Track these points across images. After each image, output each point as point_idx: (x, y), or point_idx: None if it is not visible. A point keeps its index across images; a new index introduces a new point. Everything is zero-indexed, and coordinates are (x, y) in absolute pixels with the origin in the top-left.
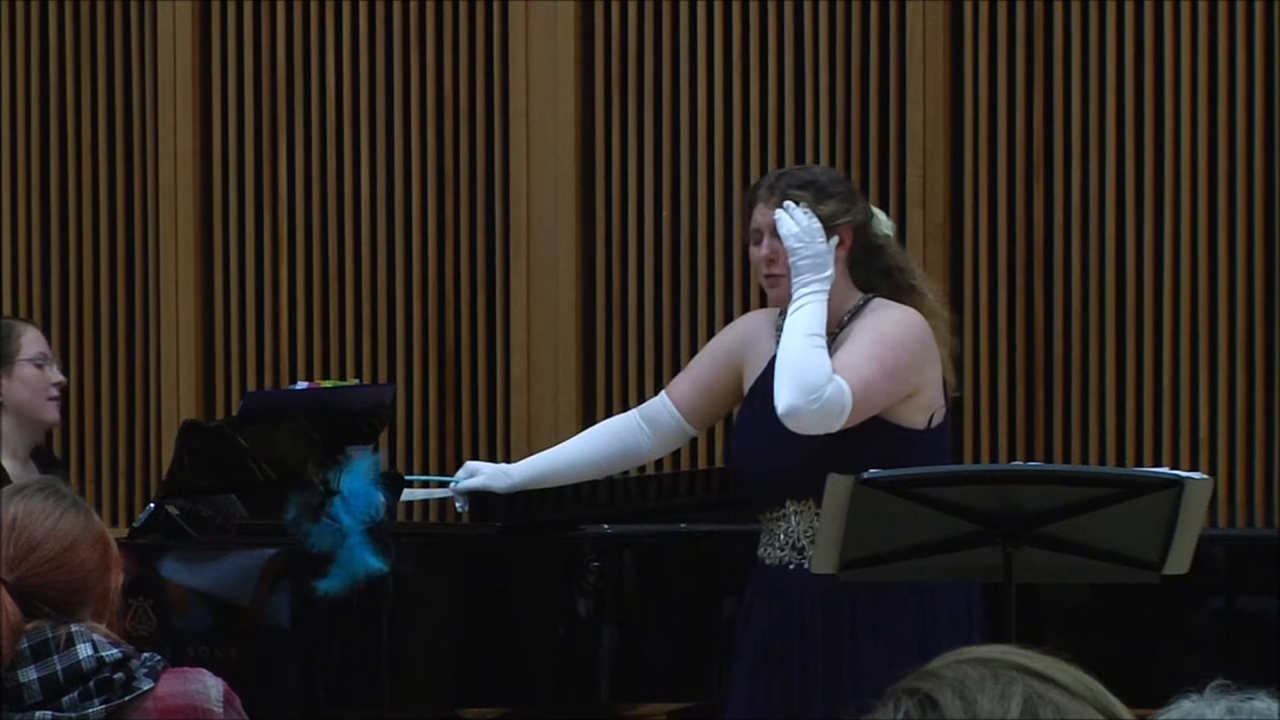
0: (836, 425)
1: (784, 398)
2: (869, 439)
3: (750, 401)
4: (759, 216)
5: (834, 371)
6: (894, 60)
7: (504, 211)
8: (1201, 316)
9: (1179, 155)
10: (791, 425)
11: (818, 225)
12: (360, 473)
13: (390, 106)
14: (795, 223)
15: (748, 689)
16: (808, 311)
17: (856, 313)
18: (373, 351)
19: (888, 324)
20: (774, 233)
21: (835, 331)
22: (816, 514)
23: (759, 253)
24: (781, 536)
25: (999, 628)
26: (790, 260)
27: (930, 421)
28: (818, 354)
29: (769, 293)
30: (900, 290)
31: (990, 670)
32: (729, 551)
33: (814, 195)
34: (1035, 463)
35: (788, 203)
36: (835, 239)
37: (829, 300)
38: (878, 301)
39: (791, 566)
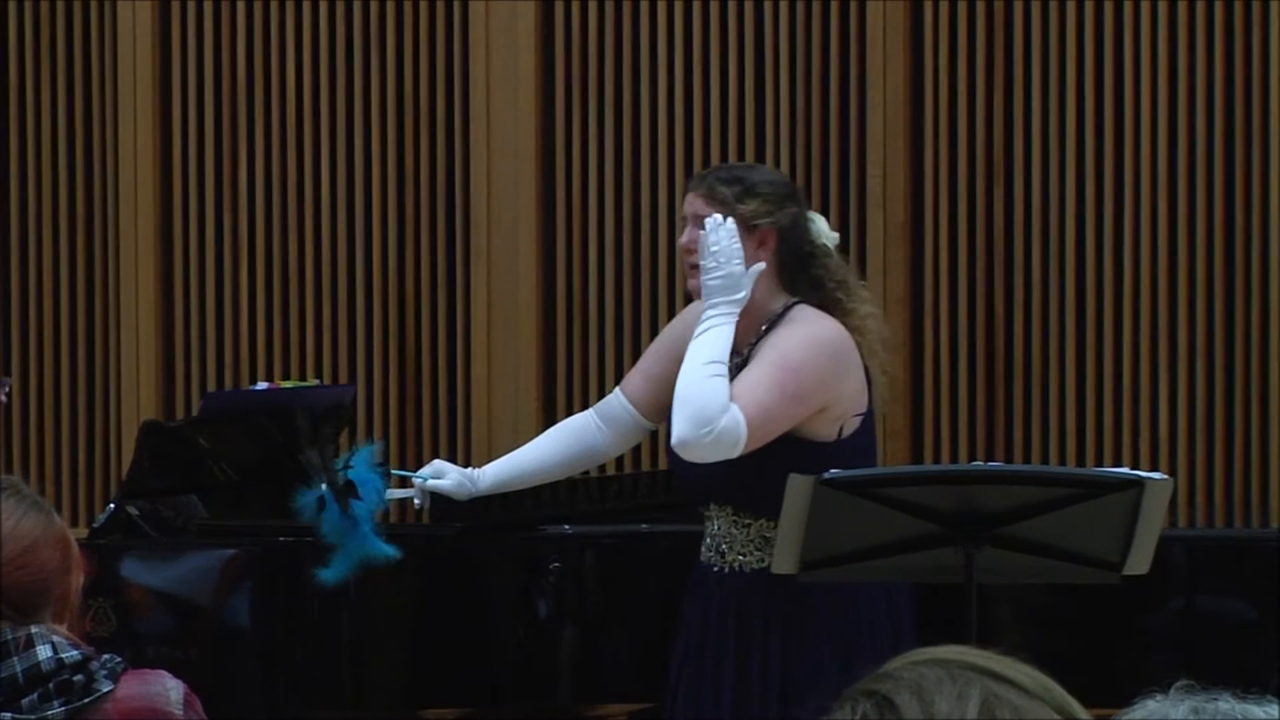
0: (733, 455)
1: (677, 429)
2: (776, 451)
3: None
4: (687, 204)
5: (733, 399)
6: (854, 62)
7: (464, 211)
8: (1161, 317)
9: (1139, 156)
10: (685, 456)
11: (738, 247)
12: (364, 461)
13: (350, 107)
14: (715, 241)
15: (675, 680)
16: (711, 336)
17: (775, 321)
18: (333, 352)
19: (794, 343)
20: (697, 222)
21: (753, 341)
22: (734, 520)
23: (682, 240)
24: (708, 538)
25: (960, 628)
26: (702, 278)
27: (840, 432)
28: (715, 383)
29: (689, 282)
30: (826, 304)
31: (948, 671)
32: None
33: (738, 192)
34: (996, 463)
35: (715, 217)
36: (758, 265)
37: (751, 304)
38: (798, 311)
39: (715, 568)
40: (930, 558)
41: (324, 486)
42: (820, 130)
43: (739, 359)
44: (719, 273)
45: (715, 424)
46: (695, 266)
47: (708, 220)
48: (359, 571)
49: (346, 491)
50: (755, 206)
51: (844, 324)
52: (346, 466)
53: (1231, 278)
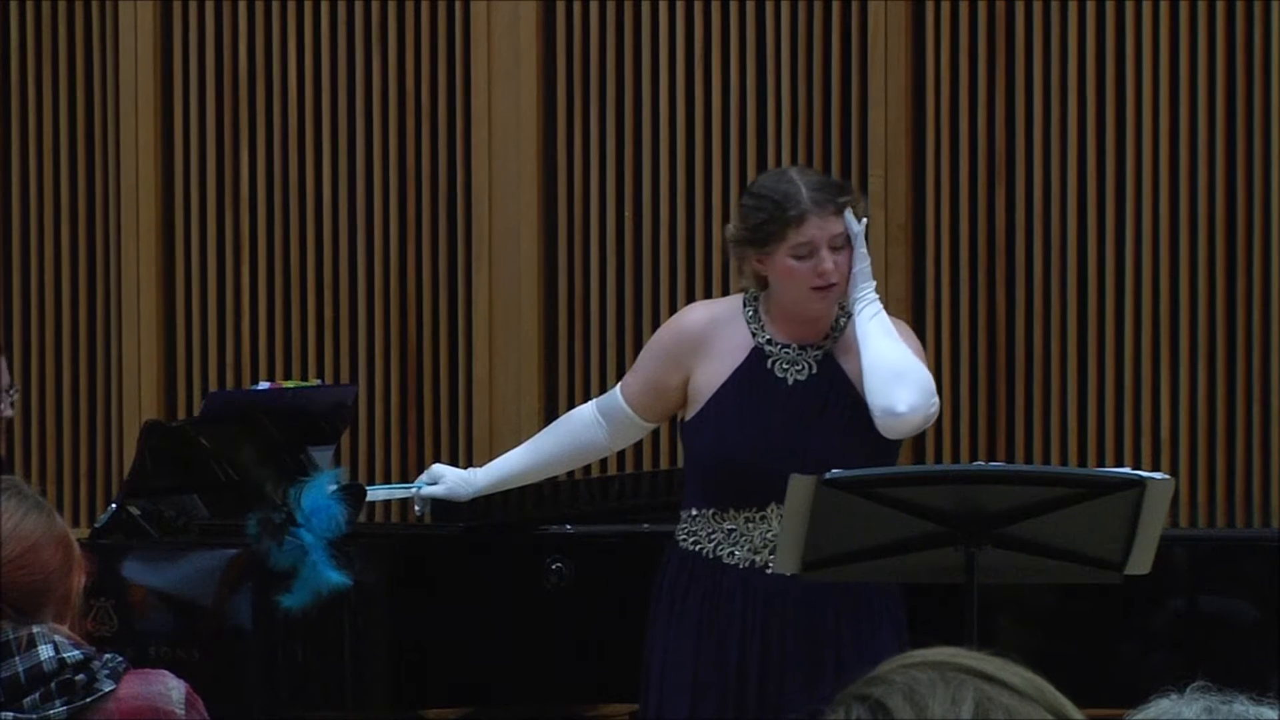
0: (926, 426)
1: (906, 398)
2: (858, 449)
3: (751, 396)
4: (815, 230)
5: None
6: (856, 61)
7: (466, 212)
8: (1163, 317)
9: (1140, 156)
10: (899, 428)
11: None
12: (321, 488)
13: (352, 107)
14: (859, 232)
15: (712, 692)
16: (885, 318)
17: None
18: (335, 352)
19: (907, 331)
20: (831, 245)
21: (835, 335)
22: None
23: (820, 265)
24: (754, 538)
25: (961, 629)
26: (858, 266)
27: None
28: (919, 361)
29: (816, 305)
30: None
31: (940, 674)
32: None
33: (852, 199)
34: (997, 463)
35: (850, 210)
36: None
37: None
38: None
39: (768, 569)
40: (931, 558)
41: (260, 519)
42: (821, 130)
43: (818, 352)
44: (867, 261)
45: (934, 395)
46: (828, 287)
47: (849, 216)
48: (317, 599)
49: (284, 526)
50: (864, 208)
51: None
52: (300, 493)
53: (1233, 278)
